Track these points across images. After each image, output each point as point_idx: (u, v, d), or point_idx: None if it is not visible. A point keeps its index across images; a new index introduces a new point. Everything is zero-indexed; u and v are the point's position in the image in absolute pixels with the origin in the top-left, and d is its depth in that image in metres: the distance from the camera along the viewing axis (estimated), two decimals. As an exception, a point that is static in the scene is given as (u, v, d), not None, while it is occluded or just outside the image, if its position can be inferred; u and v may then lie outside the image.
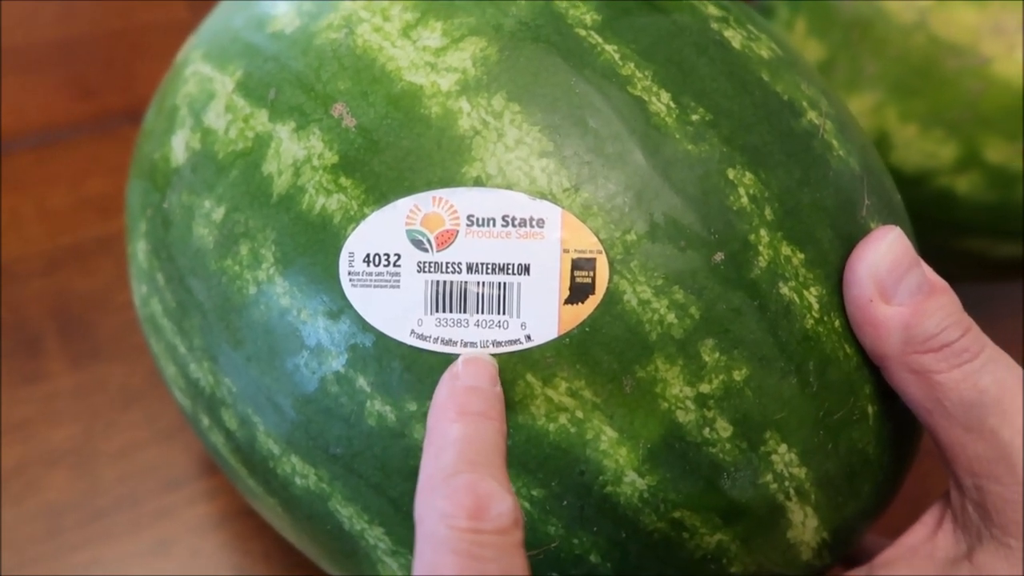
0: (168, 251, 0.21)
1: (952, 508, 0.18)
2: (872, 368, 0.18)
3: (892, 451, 0.19)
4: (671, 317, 0.17)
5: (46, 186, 0.38)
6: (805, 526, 0.18)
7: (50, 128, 0.39)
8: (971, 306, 0.18)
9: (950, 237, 0.37)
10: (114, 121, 0.40)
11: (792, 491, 0.18)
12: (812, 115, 0.19)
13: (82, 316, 0.35)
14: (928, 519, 0.19)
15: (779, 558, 0.19)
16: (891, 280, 0.17)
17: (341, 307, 0.18)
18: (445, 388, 0.16)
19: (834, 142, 0.19)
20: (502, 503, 0.14)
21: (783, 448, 0.18)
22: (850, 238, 0.18)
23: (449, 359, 0.17)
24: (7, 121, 0.39)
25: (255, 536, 0.31)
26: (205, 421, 0.21)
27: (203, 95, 0.21)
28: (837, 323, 0.18)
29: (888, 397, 0.19)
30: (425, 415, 0.17)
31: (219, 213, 0.19)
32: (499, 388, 0.16)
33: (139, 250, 0.22)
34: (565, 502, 0.17)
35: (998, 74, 0.32)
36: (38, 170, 0.38)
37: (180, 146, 0.21)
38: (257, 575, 0.30)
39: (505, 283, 0.17)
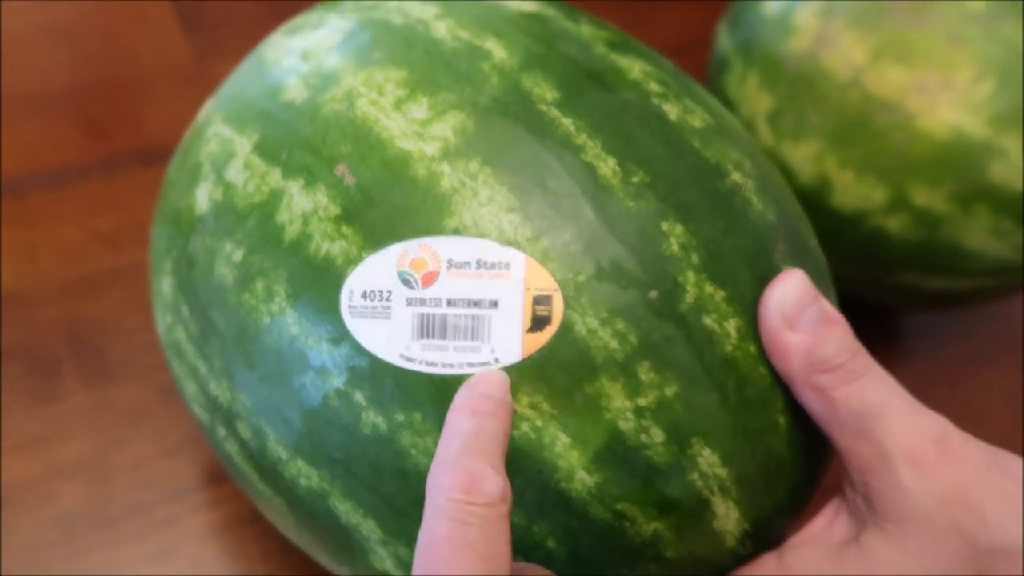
0: (192, 287, 0.24)
1: (846, 500, 0.22)
2: (783, 386, 0.22)
3: (804, 457, 0.23)
4: (614, 343, 0.20)
5: (60, 221, 0.41)
6: (728, 517, 0.22)
7: (64, 168, 0.43)
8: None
9: (885, 272, 0.41)
10: (123, 161, 0.44)
11: (716, 488, 0.21)
12: (736, 176, 0.23)
13: (94, 341, 0.38)
14: (828, 511, 0.23)
15: (707, 545, 0.22)
16: (794, 313, 0.21)
17: (342, 335, 0.21)
18: (464, 393, 0.20)
19: (753, 198, 0.23)
20: (492, 483, 0.18)
21: (707, 452, 0.21)
22: (764, 278, 0.22)
23: (432, 378, 0.21)
24: (24, 161, 0.42)
25: (254, 541, 0.34)
26: (221, 432, 0.25)
27: (224, 154, 0.24)
28: (752, 349, 0.21)
29: (798, 412, 0.22)
30: (411, 425, 0.21)
31: (239, 255, 0.23)
32: (509, 398, 0.20)
33: (164, 285, 0.25)
34: (527, 496, 0.20)
35: (921, 128, 0.36)
36: (52, 207, 0.41)
37: (204, 197, 0.24)
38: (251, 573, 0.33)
39: (478, 315, 0.20)
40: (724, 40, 0.46)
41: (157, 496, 0.34)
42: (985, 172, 0.36)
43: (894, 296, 0.43)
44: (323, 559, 0.25)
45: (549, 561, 0.21)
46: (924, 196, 0.37)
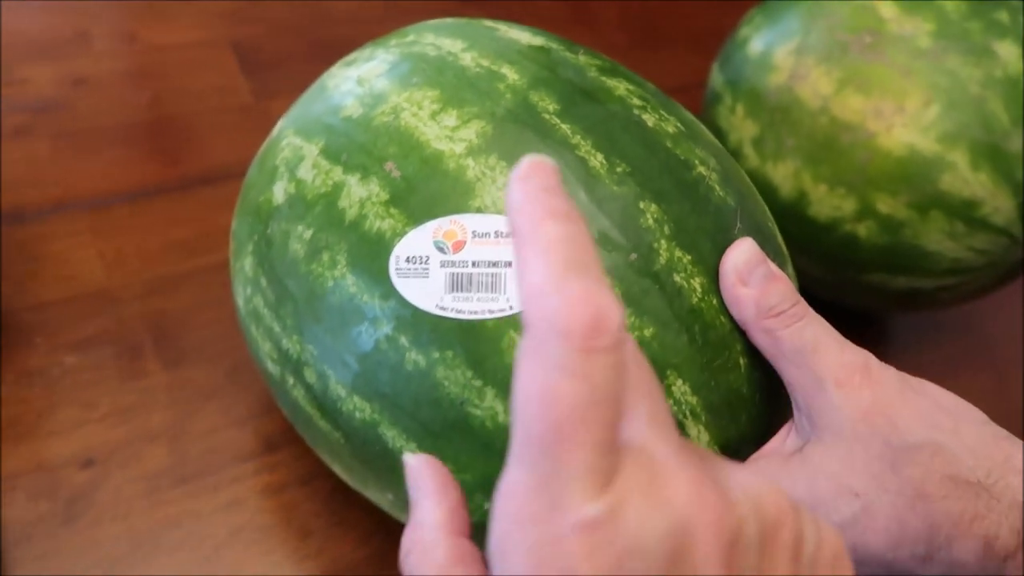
0: (270, 262, 0.30)
1: (794, 421, 0.27)
2: (742, 334, 0.27)
3: (762, 394, 0.28)
4: (602, 294, 0.26)
5: (142, 232, 0.48)
6: (700, 440, 0.27)
7: (144, 188, 0.50)
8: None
9: (857, 272, 0.46)
10: (192, 182, 0.51)
11: (688, 412, 0.27)
12: (701, 169, 0.29)
13: (171, 330, 0.44)
14: (780, 432, 0.28)
15: (682, 464, 0.27)
16: (746, 271, 0.27)
17: (390, 292, 0.27)
18: (518, 189, 0.16)
19: (716, 187, 0.29)
20: (616, 310, 0.14)
21: (680, 382, 0.27)
22: (724, 247, 0.28)
23: (460, 323, 0.26)
24: (111, 183, 0.49)
25: (307, 500, 0.40)
26: (290, 381, 0.31)
27: (295, 158, 0.31)
28: (714, 302, 0.27)
29: (756, 357, 0.28)
30: (444, 360, 0.26)
31: (308, 234, 0.29)
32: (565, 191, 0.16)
33: (246, 264, 0.32)
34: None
35: (880, 146, 0.42)
36: (136, 220, 0.48)
37: (280, 192, 0.30)
38: (308, 527, 0.39)
39: (496, 273, 0.26)
40: (716, 77, 0.53)
41: (225, 459, 0.40)
42: (937, 182, 0.41)
43: (868, 297, 0.48)
44: (371, 486, 0.31)
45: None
46: (886, 204, 0.43)
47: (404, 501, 0.30)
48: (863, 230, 0.44)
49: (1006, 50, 0.41)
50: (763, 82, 0.47)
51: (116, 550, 0.37)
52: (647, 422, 0.17)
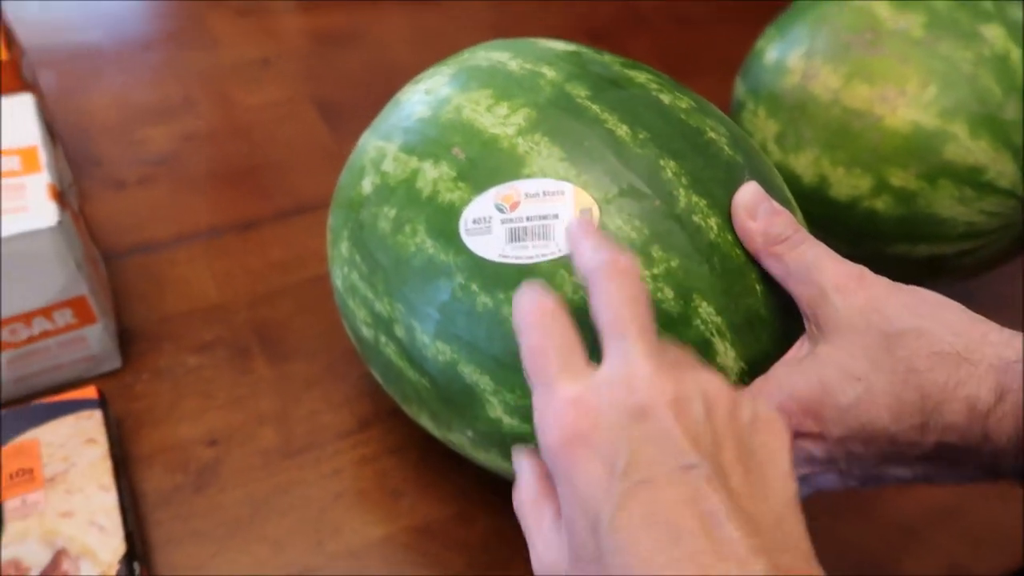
0: (363, 241, 0.37)
1: (807, 332, 0.32)
2: (756, 264, 0.32)
3: (779, 315, 0.33)
4: (633, 234, 0.32)
5: (247, 256, 0.55)
6: (727, 355, 0.32)
7: (247, 220, 0.58)
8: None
9: (882, 245, 0.50)
10: (286, 214, 0.59)
11: (714, 331, 0.32)
12: (712, 134, 0.35)
13: (275, 334, 0.51)
14: (796, 344, 0.32)
15: (715, 376, 0.32)
16: (752, 208, 0.32)
17: (461, 249, 0.33)
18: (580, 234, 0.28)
19: (725, 148, 0.34)
20: (627, 257, 0.27)
21: (704, 304, 0.32)
22: (734, 192, 0.33)
23: (519, 267, 0.32)
24: (220, 217, 0.58)
25: (395, 469, 0.46)
26: (383, 339, 0.37)
27: (379, 156, 0.37)
28: (729, 237, 0.32)
29: (770, 283, 0.33)
30: (508, 300, 0.32)
31: (392, 213, 0.35)
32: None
33: (342, 248, 0.38)
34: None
35: (888, 126, 0.47)
36: (241, 246, 0.56)
37: (368, 184, 0.37)
38: (399, 490, 0.44)
39: (546, 224, 0.32)
40: (739, 88, 0.59)
41: (326, 437, 0.46)
42: (941, 153, 0.46)
43: (895, 269, 0.52)
44: (455, 427, 0.36)
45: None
46: (898, 178, 0.47)
47: (481, 438, 0.35)
48: (880, 204, 0.48)
49: (992, 32, 0.46)
50: (779, 85, 0.53)
51: (239, 512, 0.43)
52: (636, 332, 0.26)
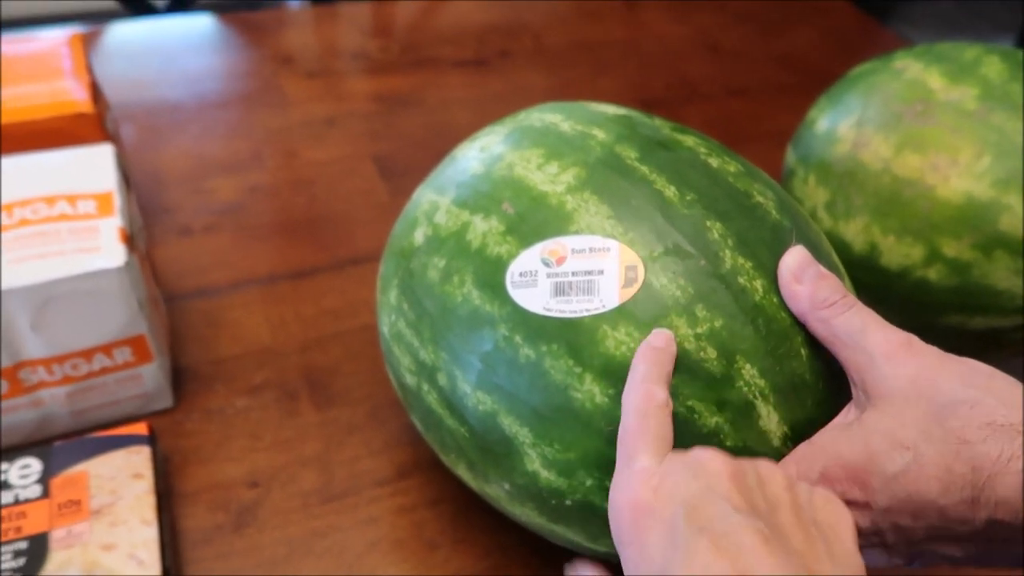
0: (412, 289, 0.38)
1: (854, 398, 0.31)
2: (802, 327, 0.32)
3: (824, 381, 0.33)
4: (678, 293, 0.32)
5: (301, 303, 0.57)
6: (770, 419, 0.32)
7: (303, 269, 0.60)
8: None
9: (934, 316, 0.49)
10: (341, 264, 0.60)
11: (757, 394, 0.31)
12: (759, 198, 0.35)
13: (323, 379, 0.52)
14: (843, 411, 0.32)
15: (757, 439, 0.32)
16: (799, 271, 0.32)
17: (507, 300, 0.34)
18: (643, 345, 0.31)
19: (772, 211, 0.35)
20: (661, 395, 0.30)
21: (748, 366, 0.31)
22: (780, 255, 0.33)
23: (563, 320, 0.33)
24: (277, 265, 0.60)
25: (434, 520, 0.45)
26: (425, 387, 0.37)
27: (432, 209, 0.39)
28: (775, 300, 0.32)
29: (816, 348, 0.33)
30: (551, 352, 0.32)
31: (442, 263, 0.36)
32: (672, 347, 0.31)
33: (391, 296, 0.39)
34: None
35: (940, 196, 0.47)
36: (295, 293, 0.58)
37: (420, 235, 0.39)
38: (435, 542, 0.44)
39: (591, 280, 0.33)
40: (790, 156, 0.59)
41: (366, 483, 0.47)
42: (996, 224, 0.45)
43: (950, 341, 0.51)
44: (492, 479, 0.36)
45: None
46: (952, 248, 0.47)
47: (518, 491, 0.35)
48: (933, 274, 0.48)
49: (1048, 105, 0.46)
50: (830, 153, 0.53)
51: (275, 553, 0.43)
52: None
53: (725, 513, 0.25)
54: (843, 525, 0.27)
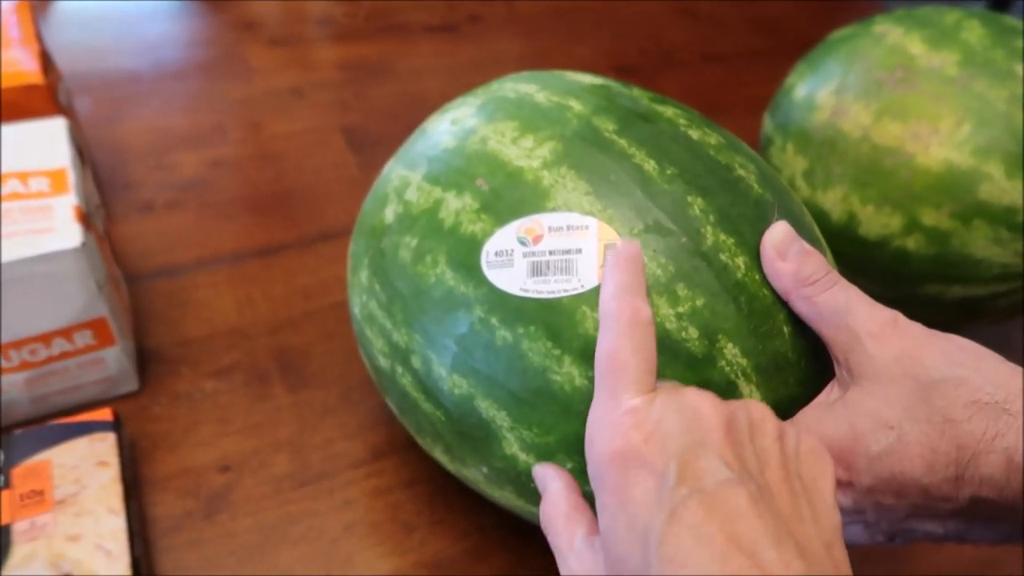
0: (383, 269, 0.36)
1: (837, 376, 0.31)
2: (784, 305, 0.32)
3: (806, 358, 0.32)
4: (659, 271, 0.31)
5: (269, 282, 0.55)
6: (752, 398, 0.31)
7: (270, 246, 0.58)
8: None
9: (913, 285, 0.49)
10: (310, 241, 0.59)
11: (739, 373, 0.31)
12: (740, 171, 0.34)
13: (294, 361, 0.51)
14: (825, 389, 0.31)
15: (738, 419, 0.31)
16: (783, 248, 0.31)
17: (482, 281, 0.33)
18: (612, 256, 0.29)
19: (754, 185, 0.34)
20: (646, 310, 0.28)
21: (730, 346, 0.31)
22: (763, 231, 0.32)
23: (540, 301, 0.31)
24: (244, 242, 0.58)
25: (409, 501, 0.45)
26: (399, 370, 0.36)
27: (403, 185, 0.37)
28: (757, 277, 0.31)
29: (799, 325, 0.32)
30: (528, 335, 0.31)
31: (414, 242, 0.35)
32: (641, 256, 0.30)
33: (362, 276, 0.38)
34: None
35: (920, 164, 0.46)
36: (264, 272, 0.56)
37: (390, 213, 0.37)
38: (411, 524, 0.44)
39: (569, 259, 0.32)
40: (767, 124, 0.58)
41: (340, 466, 0.46)
42: (976, 192, 0.45)
43: (928, 310, 0.51)
44: (469, 463, 0.35)
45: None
46: (931, 217, 0.46)
47: (496, 474, 0.34)
48: (912, 243, 0.47)
49: (1029, 72, 0.45)
50: (809, 121, 0.52)
51: (248, 540, 0.42)
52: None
53: (717, 470, 0.24)
54: (825, 479, 0.26)
